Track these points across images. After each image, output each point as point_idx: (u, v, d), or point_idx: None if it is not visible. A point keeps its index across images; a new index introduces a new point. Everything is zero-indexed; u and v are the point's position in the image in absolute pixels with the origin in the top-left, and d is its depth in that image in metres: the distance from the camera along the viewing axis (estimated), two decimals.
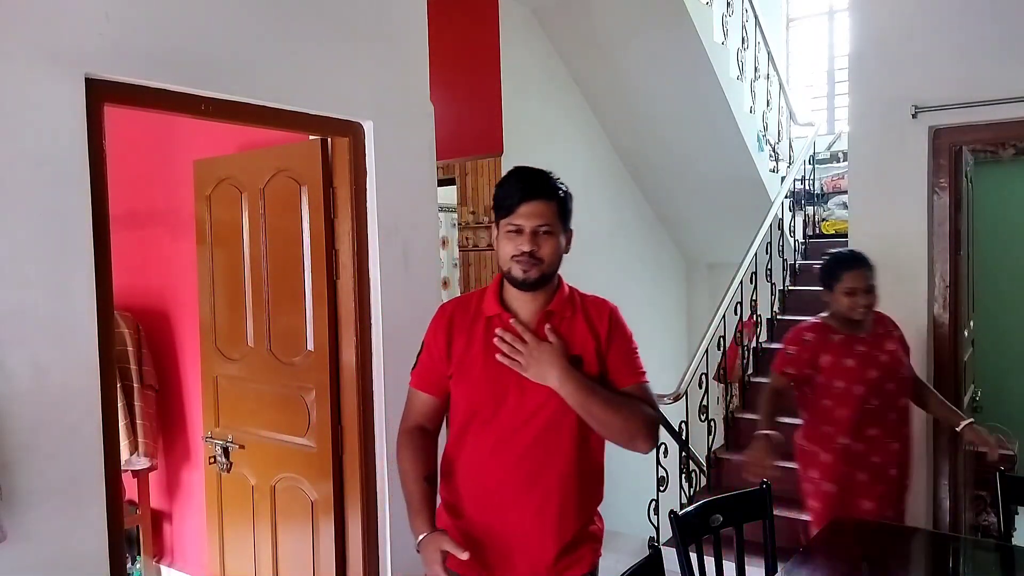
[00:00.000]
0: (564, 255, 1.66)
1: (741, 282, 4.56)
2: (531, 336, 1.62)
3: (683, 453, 4.04)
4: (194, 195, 3.15)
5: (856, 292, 2.59)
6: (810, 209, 5.98)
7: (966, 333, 3.70)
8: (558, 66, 5.18)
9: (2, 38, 1.73)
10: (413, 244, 2.78)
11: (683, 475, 4.06)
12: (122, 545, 2.03)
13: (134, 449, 3.42)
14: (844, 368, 2.60)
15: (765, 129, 5.85)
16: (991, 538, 2.65)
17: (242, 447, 2.97)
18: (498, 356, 1.62)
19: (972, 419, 2.69)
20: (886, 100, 3.26)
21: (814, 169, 6.07)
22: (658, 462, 3.78)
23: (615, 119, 5.59)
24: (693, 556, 2.04)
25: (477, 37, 4.50)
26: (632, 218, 6.08)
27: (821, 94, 7.33)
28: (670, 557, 1.94)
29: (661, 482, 3.85)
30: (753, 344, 4.87)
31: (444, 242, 5.13)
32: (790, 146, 6.32)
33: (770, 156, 5.95)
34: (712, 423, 4.33)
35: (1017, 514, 2.34)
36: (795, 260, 5.53)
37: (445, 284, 5.13)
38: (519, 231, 1.60)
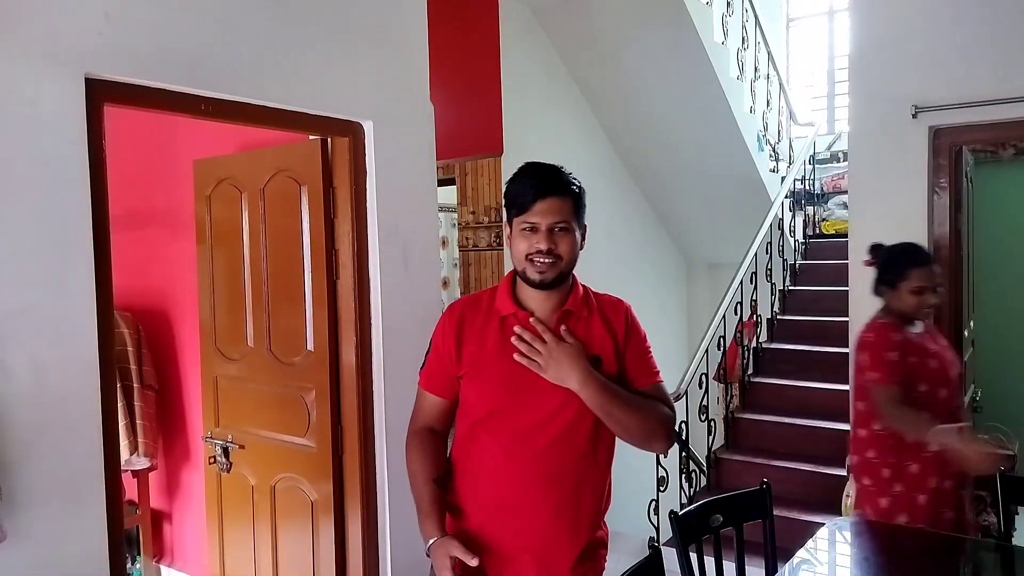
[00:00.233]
0: (580, 252, 1.63)
1: (741, 282, 4.57)
2: (551, 336, 1.57)
3: (683, 453, 4.04)
4: (194, 195, 3.15)
5: (925, 290, 2.45)
6: (810, 209, 5.98)
7: (966, 333, 3.70)
8: (558, 66, 5.18)
9: (2, 38, 1.73)
10: (413, 244, 2.78)
11: (683, 475, 4.06)
12: (122, 545, 2.02)
13: (134, 449, 3.42)
14: (929, 370, 2.44)
15: (765, 129, 5.85)
16: (991, 538, 2.65)
17: (242, 447, 2.97)
18: (516, 356, 1.57)
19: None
20: (886, 100, 3.25)
21: (814, 169, 6.07)
22: (658, 462, 3.79)
23: (615, 119, 5.59)
24: (693, 556, 2.04)
25: (477, 37, 4.50)
26: (632, 218, 6.08)
27: (821, 94, 7.33)
28: (670, 557, 1.93)
29: (661, 482, 3.85)
30: (753, 344, 4.87)
31: (444, 242, 5.13)
32: (790, 146, 6.33)
33: (770, 156, 5.95)
34: (712, 423, 4.34)
35: (1017, 514, 2.33)
36: (795, 260, 5.53)
37: (445, 284, 5.13)
38: (534, 229, 1.56)
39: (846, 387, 3.42)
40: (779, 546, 2.25)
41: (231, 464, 3.00)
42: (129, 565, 3.65)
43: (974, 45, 3.07)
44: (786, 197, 5.45)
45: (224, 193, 3.02)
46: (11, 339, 1.75)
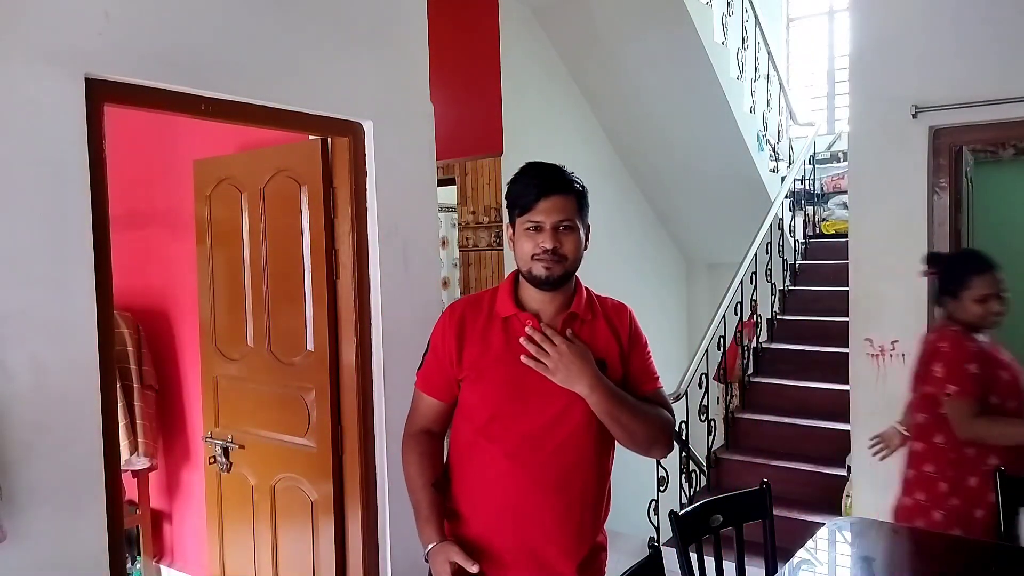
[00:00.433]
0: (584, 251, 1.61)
1: (741, 282, 4.57)
2: (561, 339, 1.55)
3: (683, 453, 4.04)
4: (194, 195, 3.15)
5: (989, 299, 2.38)
6: (810, 209, 5.99)
7: None
8: (558, 66, 5.18)
9: (2, 38, 1.73)
10: (413, 244, 2.78)
11: (683, 475, 4.06)
12: (122, 545, 2.02)
13: (134, 449, 3.42)
14: (1002, 382, 2.36)
15: (765, 129, 5.85)
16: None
17: (242, 447, 2.97)
18: (523, 358, 1.54)
19: None
20: (886, 100, 3.25)
21: (814, 169, 6.08)
22: (658, 462, 3.78)
23: (615, 119, 5.59)
24: (693, 556, 2.04)
25: (477, 37, 4.50)
26: (632, 218, 6.08)
27: (821, 94, 7.33)
28: (670, 557, 1.93)
29: (661, 482, 3.85)
30: (753, 344, 4.88)
31: (444, 242, 5.13)
32: (790, 146, 6.33)
33: (770, 156, 5.95)
34: (712, 423, 4.34)
35: (1017, 514, 2.33)
36: (795, 260, 5.53)
37: (445, 284, 5.13)
38: (539, 228, 1.55)
39: (846, 387, 3.43)
40: (779, 546, 2.24)
41: (231, 464, 3.00)
42: (129, 565, 3.65)
43: (974, 45, 3.07)
44: (786, 197, 5.46)
45: (224, 193, 3.02)
46: (11, 339, 1.75)
